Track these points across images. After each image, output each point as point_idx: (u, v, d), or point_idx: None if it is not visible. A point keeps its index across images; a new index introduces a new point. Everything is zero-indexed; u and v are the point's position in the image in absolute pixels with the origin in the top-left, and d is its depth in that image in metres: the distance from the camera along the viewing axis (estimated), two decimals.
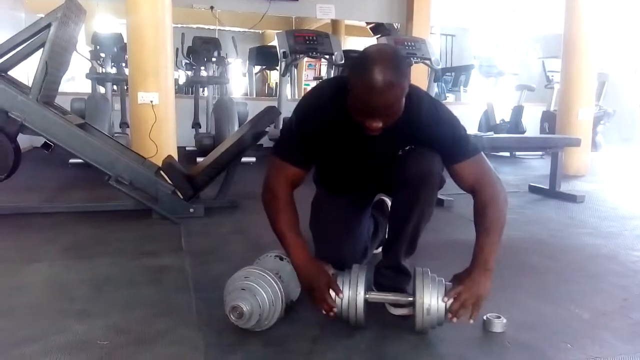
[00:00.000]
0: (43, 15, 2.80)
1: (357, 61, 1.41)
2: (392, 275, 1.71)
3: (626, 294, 1.91)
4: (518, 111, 6.92)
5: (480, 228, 1.49)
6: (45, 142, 2.82)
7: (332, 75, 6.22)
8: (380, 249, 1.99)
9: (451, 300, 1.42)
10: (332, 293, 1.46)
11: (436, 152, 1.57)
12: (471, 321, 1.43)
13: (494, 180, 1.54)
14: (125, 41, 4.44)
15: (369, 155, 1.64)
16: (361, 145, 1.59)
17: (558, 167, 3.80)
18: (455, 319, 1.41)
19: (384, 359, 1.37)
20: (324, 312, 1.48)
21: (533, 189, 4.04)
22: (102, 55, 5.66)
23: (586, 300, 1.83)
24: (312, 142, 1.59)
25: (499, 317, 1.56)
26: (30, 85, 2.79)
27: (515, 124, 6.82)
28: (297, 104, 1.65)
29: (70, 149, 2.80)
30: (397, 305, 1.61)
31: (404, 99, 1.40)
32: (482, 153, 1.57)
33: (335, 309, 1.46)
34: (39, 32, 2.74)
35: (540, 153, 6.12)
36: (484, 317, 1.56)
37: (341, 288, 1.47)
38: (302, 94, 10.63)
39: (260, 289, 1.45)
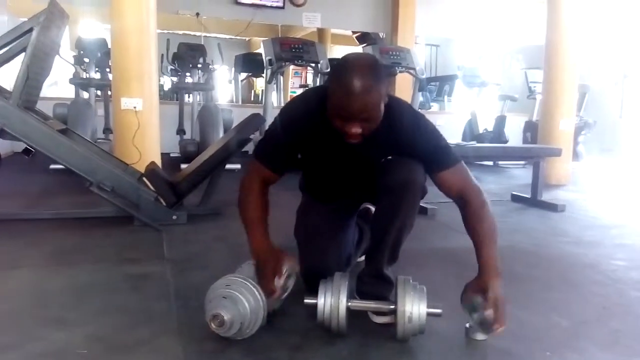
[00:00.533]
0: (26, 19, 2.78)
1: (336, 67, 1.46)
2: (375, 283, 1.71)
3: (606, 302, 1.94)
4: (501, 121, 7.01)
5: (481, 237, 1.52)
6: (25, 147, 2.78)
7: (317, 83, 6.25)
8: (363, 257, 2.00)
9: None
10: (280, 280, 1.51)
11: (418, 161, 1.59)
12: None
13: (479, 189, 1.57)
14: (109, 46, 4.41)
15: (352, 164, 1.65)
16: (344, 153, 1.60)
17: (540, 177, 3.85)
18: (501, 328, 1.41)
19: None
20: (265, 295, 1.47)
21: (515, 198, 4.08)
22: (86, 60, 5.62)
23: (567, 309, 1.85)
24: (293, 147, 1.64)
25: None
26: (11, 89, 2.75)
27: (498, 134, 6.91)
28: (282, 108, 1.68)
29: (51, 154, 2.76)
30: (379, 313, 1.61)
31: (382, 106, 1.43)
32: (463, 162, 1.60)
33: (277, 293, 1.49)
34: (21, 37, 2.71)
35: (523, 162, 6.20)
36: (466, 325, 1.57)
37: (323, 295, 1.46)
38: (288, 101, 10.64)
39: (242, 297, 1.44)
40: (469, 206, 1.55)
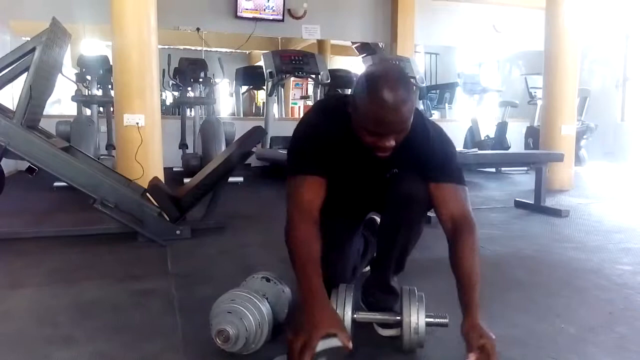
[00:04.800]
0: (28, 39, 2.81)
1: (364, 82, 1.38)
2: (380, 295, 1.71)
3: (611, 307, 1.93)
4: (502, 127, 7.02)
5: (470, 278, 1.41)
6: (29, 166, 2.79)
7: (318, 94, 6.27)
8: (368, 267, 1.99)
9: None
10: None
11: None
12: None
13: (474, 222, 1.48)
14: (111, 63, 4.45)
15: (365, 176, 1.63)
16: (359, 166, 1.58)
17: (542, 182, 3.85)
18: None
19: None
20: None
21: (519, 204, 4.08)
22: (88, 77, 5.66)
23: (572, 315, 1.84)
24: (321, 150, 1.53)
25: None
26: (14, 109, 2.78)
27: (500, 140, 6.92)
28: (299, 122, 1.62)
29: (54, 172, 2.78)
30: (385, 326, 1.60)
31: (412, 115, 1.40)
32: (466, 187, 1.55)
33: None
34: (24, 56, 2.73)
35: (525, 168, 6.20)
36: None
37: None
38: (290, 113, 10.71)
39: (247, 311, 1.44)
40: (462, 242, 1.44)
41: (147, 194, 2.99)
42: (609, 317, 1.83)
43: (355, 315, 1.48)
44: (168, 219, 2.89)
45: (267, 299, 1.53)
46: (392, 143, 1.39)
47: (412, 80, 5.84)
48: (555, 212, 3.71)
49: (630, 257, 2.63)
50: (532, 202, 3.93)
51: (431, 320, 1.45)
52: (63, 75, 3.92)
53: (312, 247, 1.41)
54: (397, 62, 5.85)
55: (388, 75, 1.37)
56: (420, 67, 7.05)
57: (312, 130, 1.56)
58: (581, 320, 1.79)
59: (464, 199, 1.51)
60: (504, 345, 1.53)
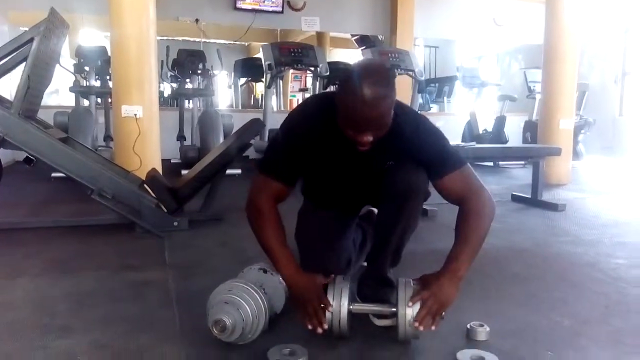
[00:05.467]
0: (26, 29, 2.79)
1: (345, 77, 1.42)
2: (376, 286, 1.72)
3: (606, 301, 1.94)
4: (500, 121, 7.02)
5: (458, 237, 1.50)
6: (27, 156, 2.79)
7: (317, 87, 6.26)
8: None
9: (417, 307, 1.42)
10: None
11: (421, 167, 1.58)
12: (433, 328, 1.42)
13: (481, 192, 1.53)
14: (109, 54, 4.43)
15: (355, 170, 1.65)
16: (349, 161, 1.60)
17: (540, 176, 3.85)
18: (421, 327, 1.40)
19: None
20: (310, 327, 1.46)
21: (516, 198, 4.09)
22: (86, 68, 5.64)
23: (567, 308, 1.85)
24: (298, 157, 1.59)
25: (482, 326, 1.57)
26: (12, 99, 2.77)
27: (498, 134, 6.91)
28: (284, 119, 1.65)
29: (52, 163, 2.78)
30: (380, 316, 1.61)
31: (392, 111, 1.42)
32: (468, 164, 1.57)
33: (325, 325, 1.44)
34: (22, 46, 2.73)
35: (523, 162, 6.20)
36: (468, 326, 1.58)
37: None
38: (288, 106, 10.68)
39: (244, 302, 1.45)
40: (462, 208, 1.53)
41: (145, 186, 2.99)
42: (604, 311, 1.84)
43: (351, 307, 1.49)
44: (166, 210, 2.89)
45: (263, 289, 1.54)
46: (370, 138, 1.42)
47: (411, 73, 5.83)
48: (552, 206, 3.73)
49: (625, 251, 2.64)
50: (529, 196, 3.94)
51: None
52: (61, 65, 3.91)
53: (276, 224, 1.56)
54: (396, 55, 5.83)
55: (367, 72, 1.39)
56: (419, 60, 7.02)
57: (292, 131, 1.60)
58: (576, 314, 1.80)
59: (468, 177, 1.55)
60: (499, 338, 1.55)
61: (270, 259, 1.56)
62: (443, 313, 1.44)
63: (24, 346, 1.48)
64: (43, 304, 1.85)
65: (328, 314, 1.45)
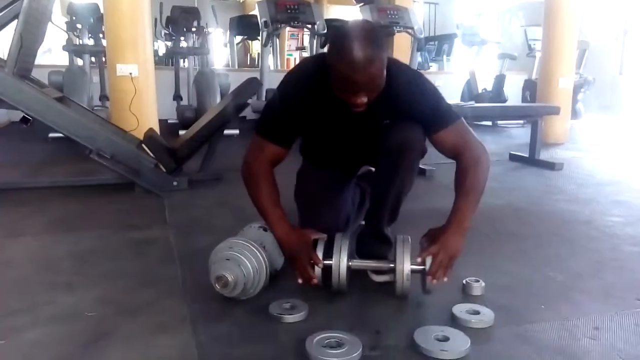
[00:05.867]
0: None
1: (334, 41, 1.42)
2: (374, 243, 1.75)
3: (600, 257, 1.98)
4: (500, 80, 6.96)
5: (459, 190, 1.52)
6: (23, 116, 2.77)
7: (314, 45, 6.16)
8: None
9: (429, 262, 1.45)
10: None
11: (417, 123, 1.59)
12: (445, 279, 1.45)
13: (476, 145, 1.56)
14: (101, 11, 4.33)
15: (352, 130, 1.65)
16: (346, 121, 1.60)
17: (538, 136, 3.86)
18: (435, 281, 1.44)
19: (365, 322, 1.41)
20: (300, 281, 1.50)
21: (513, 157, 4.10)
22: (79, 26, 5.53)
23: (561, 264, 1.89)
24: (295, 119, 1.60)
25: (478, 281, 1.61)
26: (5, 58, 2.73)
27: (497, 93, 6.87)
28: (280, 80, 1.64)
29: (49, 123, 2.76)
30: (378, 272, 1.65)
31: (384, 72, 1.42)
32: (462, 119, 1.59)
33: (315, 280, 1.49)
34: (12, 3, 2.67)
35: (522, 122, 6.19)
36: (463, 281, 1.62)
37: (323, 257, 1.50)
38: (285, 65, 10.54)
39: (245, 258, 1.48)
40: (459, 162, 1.55)
41: (143, 145, 2.99)
42: (597, 266, 1.88)
43: (350, 263, 1.52)
44: (165, 170, 2.90)
45: (264, 247, 1.56)
46: (364, 100, 1.42)
47: (410, 31, 5.74)
48: (549, 165, 3.74)
49: (620, 208, 2.67)
50: (526, 155, 3.96)
51: (423, 267, 1.49)
52: (53, 23, 3.83)
53: (271, 184, 1.58)
54: (394, 12, 5.72)
55: (356, 34, 1.36)
56: (418, 17, 6.88)
57: (288, 93, 1.59)
58: (569, 269, 1.84)
59: (463, 131, 1.57)
60: (494, 293, 1.59)
61: (264, 218, 1.59)
62: (453, 264, 1.47)
63: (31, 302, 1.52)
64: (46, 262, 1.88)
65: (318, 270, 1.49)
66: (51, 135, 4.35)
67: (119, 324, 1.40)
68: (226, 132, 3.36)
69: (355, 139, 1.71)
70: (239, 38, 8.81)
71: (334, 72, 1.40)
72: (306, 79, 1.59)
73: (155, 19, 5.61)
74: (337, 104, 1.50)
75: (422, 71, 6.60)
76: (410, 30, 5.75)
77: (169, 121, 5.69)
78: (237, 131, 4.96)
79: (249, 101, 3.17)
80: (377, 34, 1.41)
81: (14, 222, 2.37)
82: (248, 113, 3.70)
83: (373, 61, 1.34)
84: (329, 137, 1.73)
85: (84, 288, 1.63)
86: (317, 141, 1.81)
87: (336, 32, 1.45)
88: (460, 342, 1.27)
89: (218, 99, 5.17)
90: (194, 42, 5.98)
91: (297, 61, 12.34)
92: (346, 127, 1.64)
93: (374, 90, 1.42)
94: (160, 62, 8.55)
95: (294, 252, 1.53)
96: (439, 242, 1.47)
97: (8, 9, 2.68)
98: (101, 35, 5.49)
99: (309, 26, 5.59)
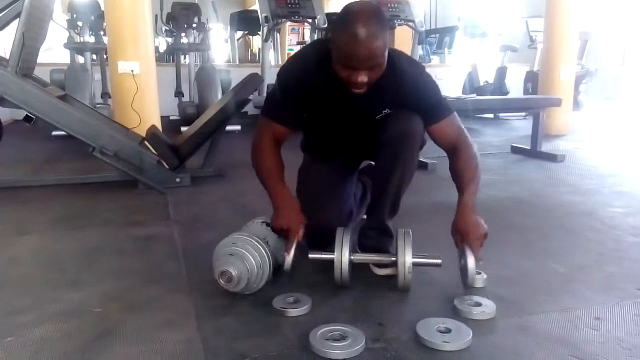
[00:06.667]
0: None
1: (339, 17, 1.47)
2: (376, 236, 1.76)
3: (602, 248, 1.99)
4: (502, 72, 6.94)
5: (462, 177, 1.60)
6: (26, 115, 2.79)
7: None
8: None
9: (469, 254, 1.49)
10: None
11: (416, 114, 1.61)
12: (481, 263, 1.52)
13: (467, 137, 1.65)
14: (102, 9, 4.33)
15: (354, 118, 1.67)
16: (346, 108, 1.62)
17: (539, 127, 3.86)
18: (481, 262, 1.50)
19: (368, 315, 1.43)
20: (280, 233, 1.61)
21: (515, 150, 4.10)
22: (80, 24, 5.53)
23: (563, 256, 1.90)
24: (296, 100, 1.64)
25: (480, 273, 1.61)
26: (7, 57, 2.74)
27: (499, 85, 6.85)
28: (280, 68, 1.68)
29: (52, 121, 2.78)
30: (380, 265, 1.66)
31: (386, 54, 1.44)
32: (455, 113, 1.67)
33: (289, 257, 1.54)
34: (14, 2, 2.68)
35: (523, 114, 6.18)
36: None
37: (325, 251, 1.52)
38: (286, 60, 10.50)
39: (248, 254, 1.49)
40: (457, 156, 1.63)
41: (146, 142, 3.00)
42: (599, 257, 1.89)
43: (352, 257, 1.54)
44: (167, 167, 2.92)
45: (267, 242, 1.58)
46: (365, 79, 1.44)
47: (411, 24, 5.72)
48: (551, 157, 3.75)
49: (622, 200, 2.68)
50: (528, 147, 3.95)
51: (425, 260, 1.51)
52: (54, 21, 3.84)
53: (275, 159, 1.68)
54: (395, 4, 5.70)
55: (362, 10, 1.42)
56: (419, 10, 6.85)
57: (288, 78, 1.65)
58: (572, 261, 1.85)
59: (457, 124, 1.66)
60: (496, 285, 1.60)
61: (266, 189, 1.68)
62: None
63: (37, 299, 1.53)
64: (52, 259, 1.90)
65: (289, 257, 1.55)
66: (54, 133, 4.37)
67: (124, 319, 1.41)
68: (228, 127, 3.37)
69: (356, 128, 1.72)
70: (239, 33, 8.80)
71: (337, 46, 1.43)
72: (306, 60, 1.64)
73: (156, 16, 5.61)
74: (337, 89, 1.53)
75: (424, 64, 6.59)
76: (411, 23, 5.74)
77: (170, 118, 5.71)
78: (239, 127, 4.97)
79: (250, 97, 3.17)
80: (380, 13, 1.46)
81: (19, 220, 2.38)
82: (250, 108, 3.71)
83: (376, 37, 1.38)
84: (330, 125, 1.75)
85: (89, 284, 1.64)
86: (318, 131, 1.82)
87: (342, 10, 1.49)
88: (462, 333, 1.29)
89: (219, 95, 5.18)
90: (194, 38, 5.98)
91: None
92: (346, 114, 1.66)
93: (374, 69, 1.44)
94: (161, 58, 8.53)
95: (282, 223, 1.62)
96: (464, 230, 1.53)
97: (10, 7, 2.69)
98: (102, 33, 5.49)
99: (310, 20, 5.58)
